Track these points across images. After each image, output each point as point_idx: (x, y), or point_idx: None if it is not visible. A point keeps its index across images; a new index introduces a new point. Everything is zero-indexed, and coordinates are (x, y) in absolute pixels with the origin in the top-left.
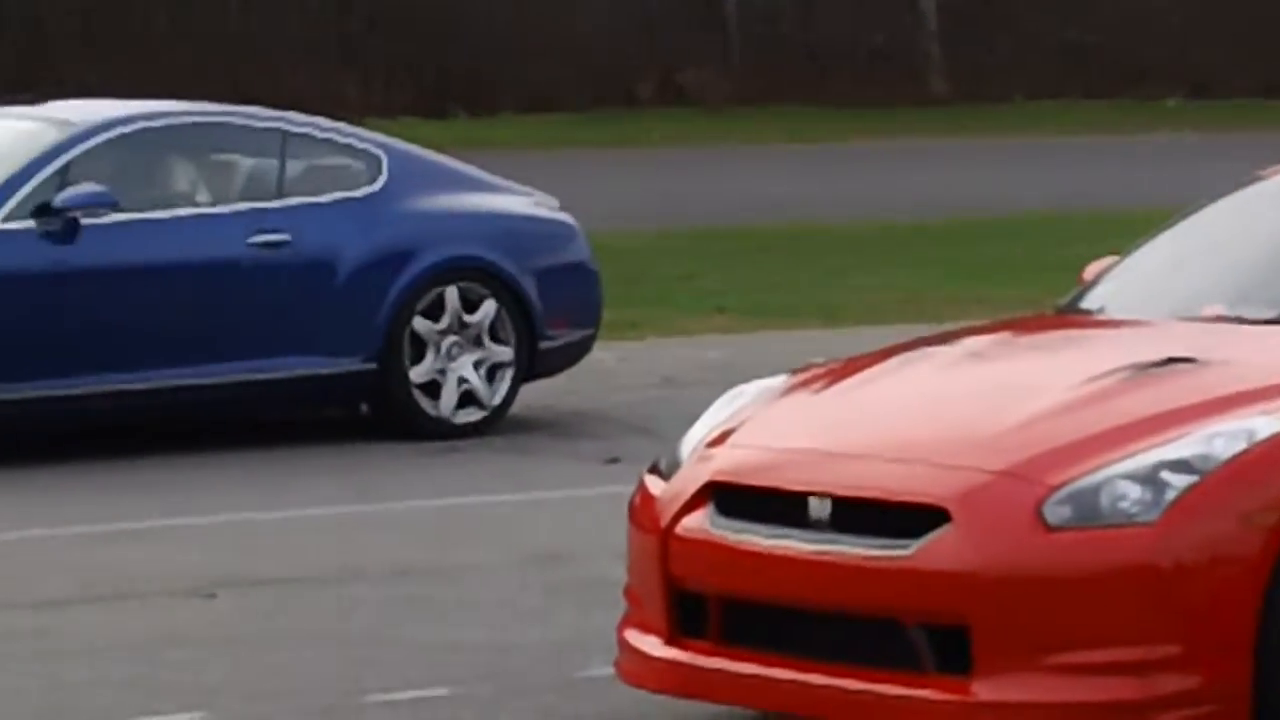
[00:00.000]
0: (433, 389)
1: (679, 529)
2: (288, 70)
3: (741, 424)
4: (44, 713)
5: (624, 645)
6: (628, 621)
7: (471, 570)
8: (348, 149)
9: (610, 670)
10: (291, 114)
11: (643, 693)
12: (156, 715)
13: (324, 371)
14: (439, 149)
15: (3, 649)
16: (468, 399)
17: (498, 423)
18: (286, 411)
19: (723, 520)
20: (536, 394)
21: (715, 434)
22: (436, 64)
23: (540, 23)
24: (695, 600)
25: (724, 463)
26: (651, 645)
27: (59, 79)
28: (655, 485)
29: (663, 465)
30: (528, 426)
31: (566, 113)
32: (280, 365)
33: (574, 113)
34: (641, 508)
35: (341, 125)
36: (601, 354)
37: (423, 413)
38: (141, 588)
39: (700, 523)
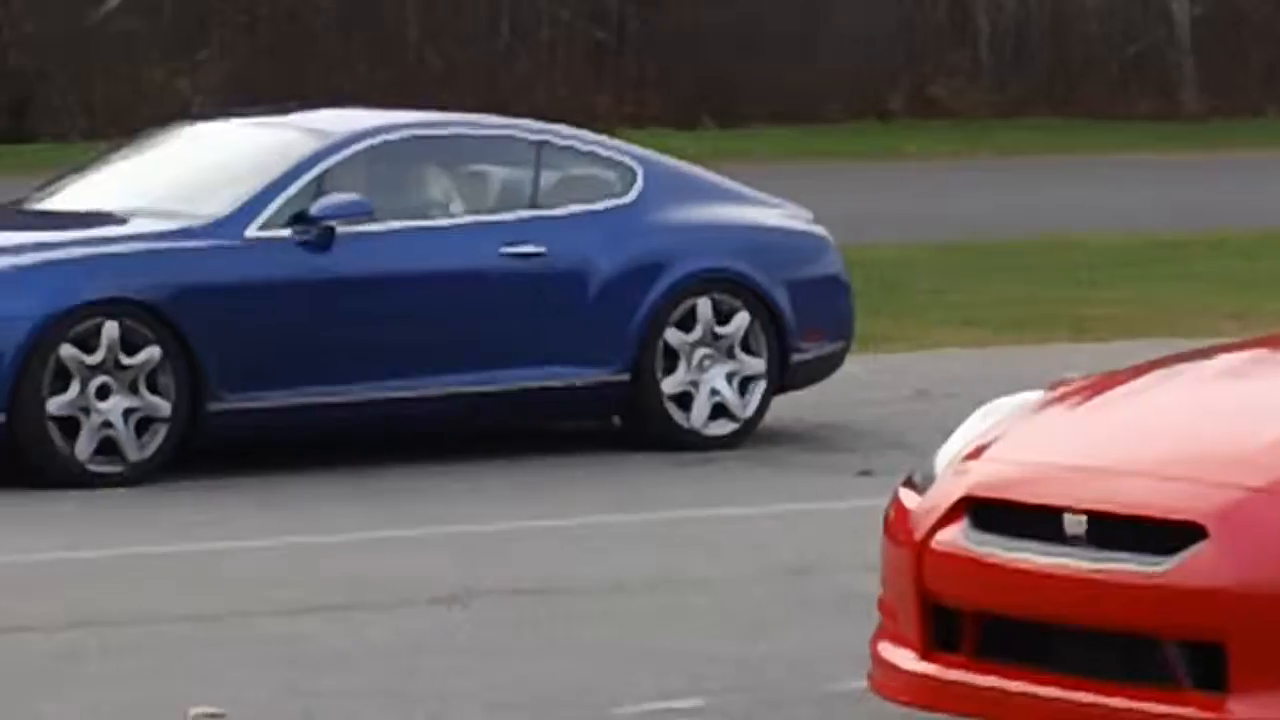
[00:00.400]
0: (685, 400)
1: (934, 543)
2: (540, 80)
3: (998, 438)
4: None
5: (877, 658)
6: (881, 635)
7: (725, 581)
8: (602, 160)
9: (863, 684)
10: (546, 125)
11: (895, 707)
12: None
13: (577, 382)
14: (690, 160)
15: (252, 655)
16: (719, 411)
17: (749, 435)
18: (539, 422)
19: (978, 535)
20: (787, 406)
21: (971, 448)
22: (688, 74)
23: (792, 34)
24: (949, 614)
25: (980, 477)
26: (905, 659)
27: (313, 89)
28: (910, 499)
29: (917, 479)
30: (779, 439)
31: (818, 124)
32: (533, 375)
33: (826, 124)
34: (896, 521)
35: (596, 136)
36: (852, 366)
37: (675, 424)
38: (391, 596)
39: (955, 537)
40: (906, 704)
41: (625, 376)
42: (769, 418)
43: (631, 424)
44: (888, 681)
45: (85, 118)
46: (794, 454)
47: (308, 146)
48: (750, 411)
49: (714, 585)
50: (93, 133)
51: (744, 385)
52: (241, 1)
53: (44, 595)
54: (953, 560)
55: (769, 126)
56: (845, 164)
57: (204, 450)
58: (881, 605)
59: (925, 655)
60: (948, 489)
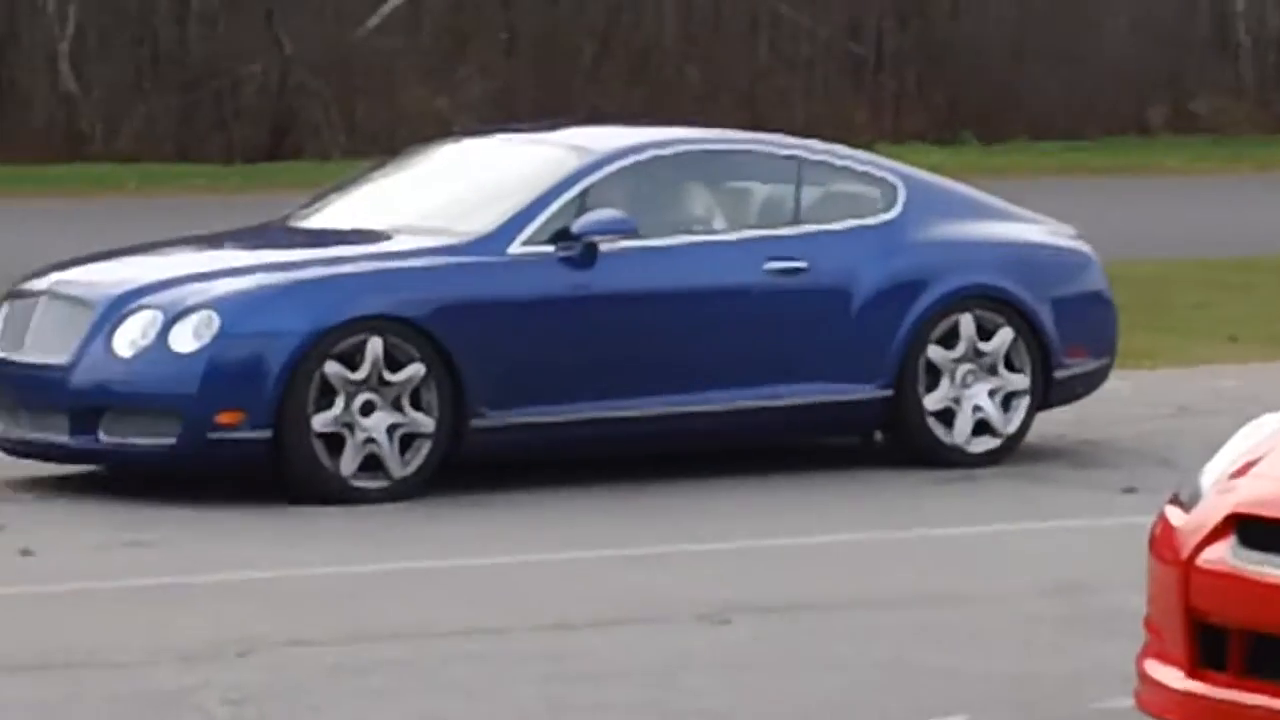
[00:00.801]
0: (947, 417)
1: (1200, 560)
2: (798, 96)
3: (1264, 455)
4: None
5: (1143, 676)
6: (1147, 652)
7: (988, 598)
8: (864, 176)
9: (1128, 702)
10: (808, 141)
11: None
12: None
13: (839, 398)
14: (949, 176)
15: (513, 671)
16: (982, 427)
17: (1012, 451)
18: (801, 438)
19: (1245, 552)
20: (1050, 423)
21: (1237, 465)
22: (947, 90)
23: (1052, 49)
24: (1216, 632)
25: (1247, 494)
26: (1172, 677)
27: (573, 106)
28: (1176, 516)
29: (1184, 496)
30: (1042, 455)
31: (1078, 140)
32: (796, 391)
33: (1086, 140)
34: (1162, 538)
35: (852, 151)
36: (1115, 383)
37: (937, 440)
38: (656, 612)
39: (1222, 554)
40: None
41: (888, 392)
42: (1031, 434)
43: (894, 440)
44: (1154, 700)
45: (346, 136)
46: (1057, 471)
47: (571, 163)
48: (1013, 428)
49: (977, 602)
50: (353, 151)
51: (1007, 401)
52: (501, 19)
53: (320, 610)
54: (1219, 578)
55: (1029, 142)
56: (1106, 179)
57: (466, 466)
58: (1148, 623)
59: (1192, 673)
60: (1214, 506)
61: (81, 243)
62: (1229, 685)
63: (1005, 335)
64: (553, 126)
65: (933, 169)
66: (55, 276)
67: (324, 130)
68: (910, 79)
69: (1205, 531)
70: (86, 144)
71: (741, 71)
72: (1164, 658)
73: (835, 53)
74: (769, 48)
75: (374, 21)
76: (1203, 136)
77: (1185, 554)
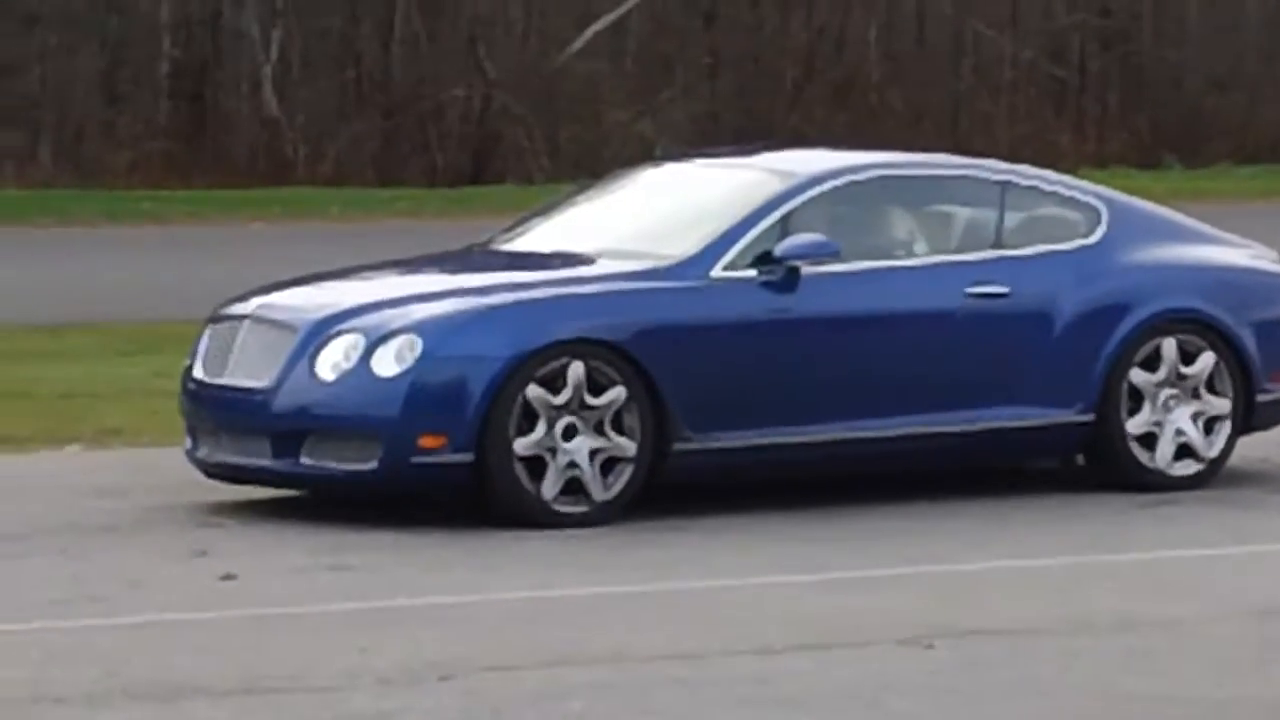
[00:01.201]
0: (1149, 441)
1: None
2: (1001, 120)
3: None
4: None
5: None
6: None
7: (1189, 623)
8: (1066, 200)
9: None
10: (1009, 164)
11: None
12: None
13: (1041, 422)
14: (1152, 200)
15: (715, 695)
16: (1184, 451)
17: (1214, 476)
18: (1003, 461)
19: None
20: (1252, 447)
21: None
22: (1150, 113)
23: (1258, 72)
24: None
25: None
26: None
27: (776, 130)
28: None
29: None
30: (1243, 480)
31: None
32: (998, 415)
33: None
34: None
35: (1060, 176)
36: None
37: (1139, 464)
38: (858, 636)
39: None
40: None
41: (1089, 417)
42: (1234, 458)
43: (1095, 464)
44: None
45: (549, 160)
46: (1260, 495)
47: (772, 187)
48: (1215, 452)
49: (1181, 627)
50: (556, 174)
51: (1209, 426)
52: (705, 43)
53: (520, 634)
54: None
55: (1234, 165)
56: None
57: (667, 490)
58: None
59: None
60: None
61: (284, 267)
62: None
63: (1208, 359)
64: (755, 150)
65: (1136, 193)
66: (258, 301)
67: (526, 154)
68: (1113, 102)
69: None
70: (290, 168)
71: (944, 95)
72: None
73: (1039, 76)
74: (972, 71)
75: (577, 45)
76: None
77: None
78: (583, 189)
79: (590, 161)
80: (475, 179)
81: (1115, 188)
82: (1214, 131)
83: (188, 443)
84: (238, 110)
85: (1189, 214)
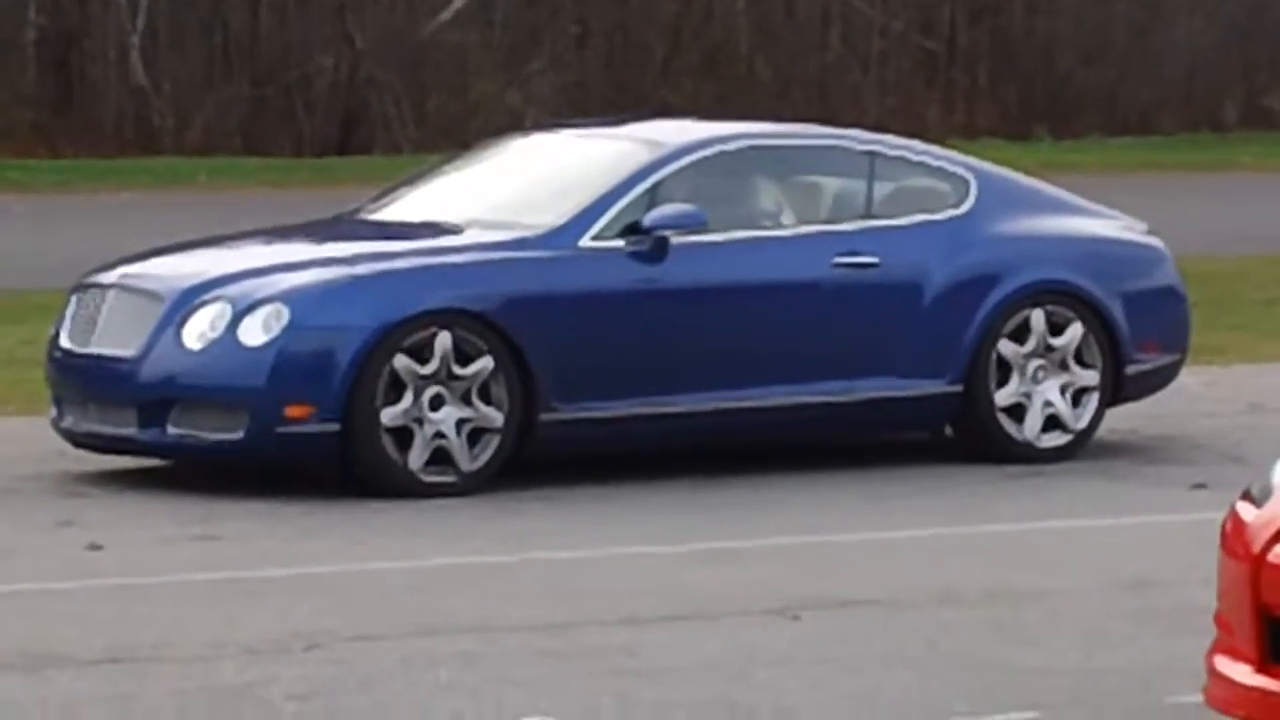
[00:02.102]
0: (1017, 412)
1: (1271, 555)
2: (870, 91)
3: None
4: None
5: (1213, 672)
6: (1217, 648)
7: (1060, 594)
8: (935, 171)
9: (1198, 698)
10: (879, 135)
11: None
12: None
13: (909, 393)
14: (1023, 172)
15: (584, 665)
16: (1052, 423)
17: (1082, 447)
18: (870, 433)
19: None
20: (1121, 418)
21: None
22: (1020, 85)
23: (1126, 45)
24: None
25: None
26: (1242, 673)
27: (644, 101)
28: (1247, 512)
29: (1255, 491)
30: (1112, 451)
31: (1152, 135)
32: (865, 386)
33: (1160, 135)
34: (1233, 534)
35: (929, 147)
36: (1186, 379)
37: (1007, 436)
38: (725, 608)
39: None
40: (1243, 718)
41: (958, 388)
42: (1102, 430)
43: (963, 436)
44: (1224, 695)
45: (416, 130)
46: (1128, 467)
47: (641, 157)
48: (1084, 424)
49: (1048, 598)
50: (423, 145)
51: (1077, 397)
52: (573, 13)
53: (387, 604)
54: None
55: (1102, 137)
56: (1180, 175)
57: (535, 460)
58: (1218, 618)
59: (1262, 669)
60: None
61: (151, 236)
62: None
63: (1076, 330)
64: (623, 121)
65: (1005, 165)
66: (124, 269)
67: (394, 124)
68: (983, 75)
69: (1276, 527)
70: (157, 137)
71: (813, 66)
72: (1234, 653)
73: (909, 47)
74: (841, 42)
75: (445, 15)
76: (1276, 133)
77: (1256, 549)
78: (451, 159)
79: (458, 132)
80: (342, 148)
81: (985, 160)
82: (1083, 104)
83: (53, 412)
84: (105, 78)
85: (1059, 186)
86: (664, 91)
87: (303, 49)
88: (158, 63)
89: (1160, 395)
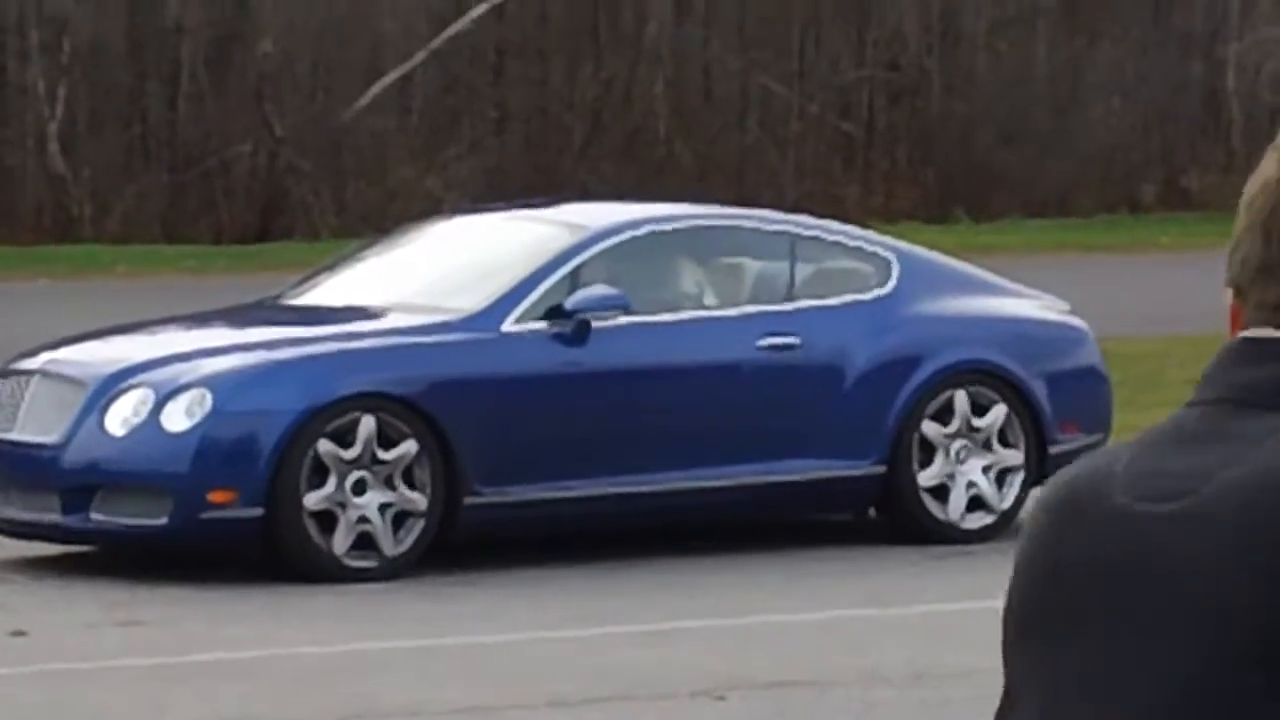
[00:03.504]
0: (941, 493)
1: None
2: (788, 173)
3: None
4: None
5: None
6: None
7: (987, 674)
8: (857, 252)
9: None
10: (800, 217)
11: None
12: None
13: (833, 474)
14: (942, 253)
15: None
16: (976, 503)
17: (1007, 527)
18: (795, 513)
19: None
20: None
21: None
22: (938, 168)
23: (1043, 127)
24: None
25: None
26: None
27: (563, 184)
28: None
29: None
30: None
31: (1071, 216)
32: (790, 468)
33: (1078, 216)
34: None
35: (851, 228)
36: None
37: (931, 517)
38: (652, 689)
39: None
40: None
41: (881, 469)
42: (1025, 510)
43: (887, 516)
44: None
45: (336, 216)
46: None
47: (563, 240)
48: (1008, 504)
49: (976, 677)
50: (343, 231)
51: (1001, 477)
52: (491, 97)
53: (313, 689)
54: None
55: (1021, 219)
56: (1099, 256)
57: (459, 544)
58: None
59: None
60: None
61: (71, 323)
62: None
63: (999, 411)
64: (545, 204)
65: (925, 246)
66: (47, 356)
67: (314, 210)
68: (901, 156)
69: None
70: (76, 224)
71: (731, 149)
72: None
73: (826, 129)
74: (759, 125)
75: (363, 101)
76: (1195, 213)
77: None
78: (373, 243)
79: (378, 218)
80: (262, 236)
81: (905, 241)
82: (1002, 185)
83: None
84: (22, 166)
85: (979, 267)
86: (583, 174)
87: (222, 136)
88: (76, 150)
89: None
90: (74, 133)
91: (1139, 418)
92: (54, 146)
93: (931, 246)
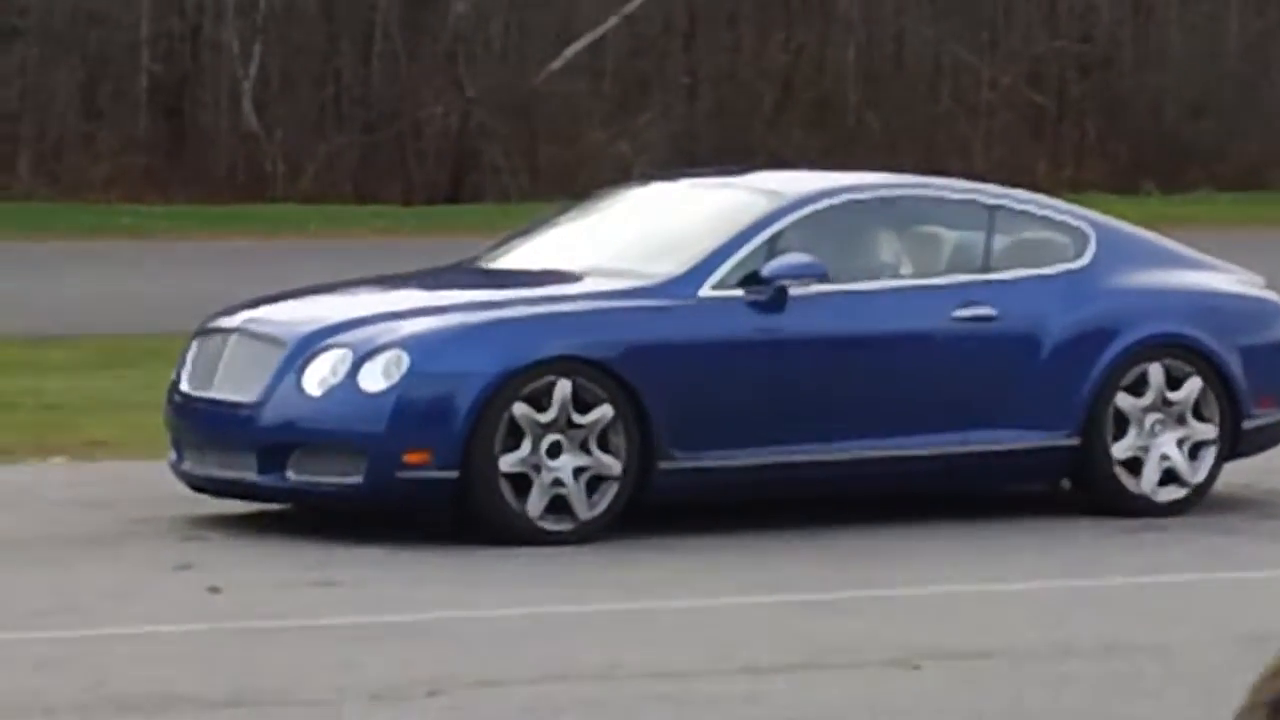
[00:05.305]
0: (1134, 466)
1: None
2: (978, 144)
3: None
4: None
5: None
6: None
7: (1181, 649)
8: (1055, 224)
9: None
10: (1003, 188)
11: None
12: None
13: (1027, 445)
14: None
15: (704, 714)
16: (1169, 476)
17: (1199, 501)
18: (988, 484)
19: None
20: (1235, 473)
21: None
22: (1128, 140)
23: (1236, 99)
24: None
25: None
26: None
27: (753, 151)
28: None
29: None
30: (1228, 506)
31: (1263, 190)
32: (984, 438)
33: (1271, 190)
34: None
35: (1049, 199)
36: None
37: (1124, 489)
38: (846, 658)
39: None
40: None
41: (1075, 441)
42: (1219, 484)
43: (1080, 488)
44: None
45: (527, 179)
46: (1245, 521)
47: (761, 207)
48: (1201, 477)
49: (1169, 652)
50: (533, 194)
51: (1195, 451)
52: (683, 64)
53: (508, 651)
54: None
55: (1212, 193)
56: None
57: (652, 508)
58: None
59: None
60: None
61: (262, 283)
62: None
63: (1194, 384)
64: (741, 171)
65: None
66: (245, 315)
67: (504, 173)
68: (1091, 128)
69: None
70: (269, 184)
71: (921, 118)
72: None
73: (1017, 101)
74: (950, 95)
75: (556, 65)
76: None
77: None
78: (570, 208)
79: (568, 181)
80: (452, 197)
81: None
82: (1192, 158)
83: (172, 455)
84: (216, 125)
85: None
86: (772, 141)
87: (414, 97)
88: (269, 110)
89: (1275, 451)
90: (267, 92)
91: None
92: (248, 106)
93: (1120, 219)
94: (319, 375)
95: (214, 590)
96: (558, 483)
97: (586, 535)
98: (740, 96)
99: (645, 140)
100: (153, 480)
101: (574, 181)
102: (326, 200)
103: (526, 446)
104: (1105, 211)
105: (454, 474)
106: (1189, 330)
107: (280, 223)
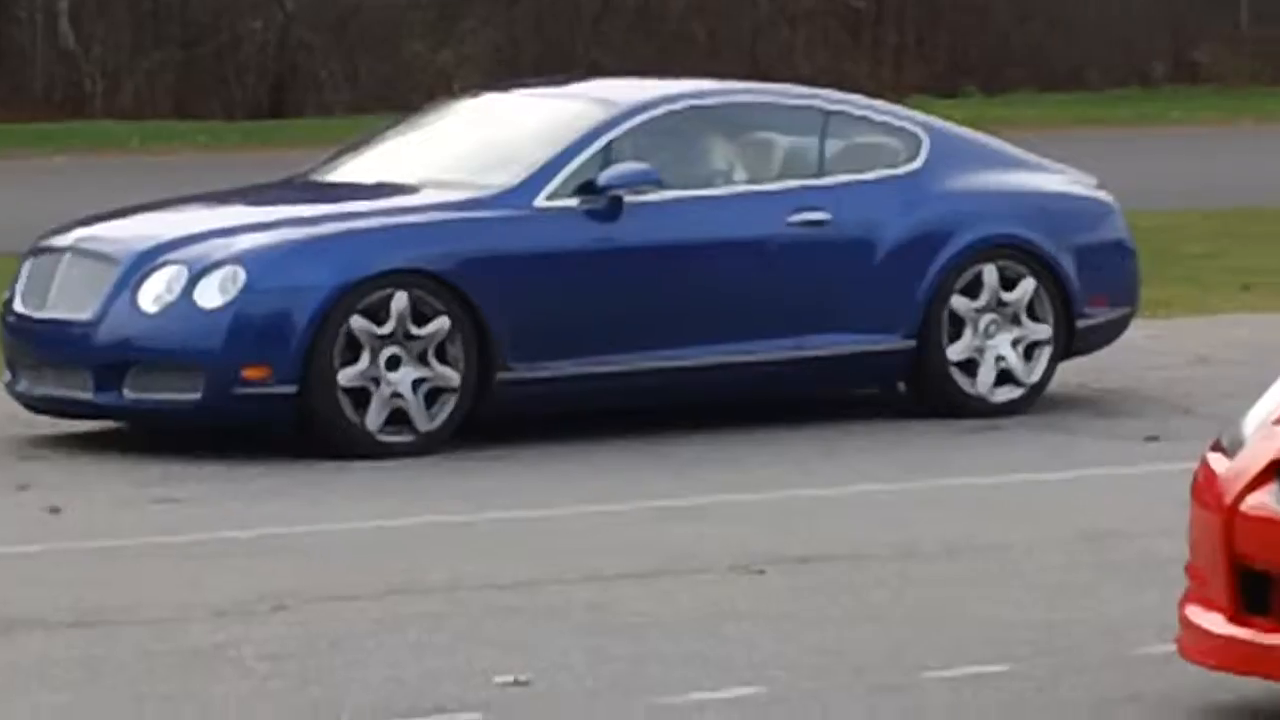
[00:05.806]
0: (970, 367)
1: (1243, 506)
2: (799, 49)
3: None
4: (596, 686)
5: (1185, 622)
6: (1189, 598)
7: (1021, 548)
8: (889, 128)
9: (1166, 648)
10: (830, 92)
11: (1203, 671)
12: (709, 690)
13: (863, 349)
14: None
15: (551, 623)
16: (1005, 377)
17: (1034, 401)
18: (826, 388)
19: None
20: (1071, 372)
21: None
22: (947, 42)
23: (1053, 3)
24: (1260, 578)
25: None
26: (1214, 623)
27: (575, 61)
28: (1219, 463)
29: (1226, 442)
30: (1064, 405)
31: (1080, 91)
32: (819, 343)
33: (1088, 91)
34: (1205, 485)
35: (880, 103)
36: (1131, 332)
37: (960, 391)
38: (690, 564)
39: (1265, 500)
40: (1215, 668)
41: (911, 343)
42: (1054, 384)
43: (917, 391)
44: (1196, 646)
45: (348, 92)
46: (1080, 420)
47: (595, 116)
48: (1036, 377)
49: (1010, 551)
50: (356, 107)
51: (1029, 351)
52: None
53: (351, 565)
54: (1262, 523)
55: (1032, 93)
56: (1109, 131)
57: (489, 421)
58: (1190, 569)
59: (1235, 619)
60: (1257, 452)
61: (85, 201)
62: (1272, 630)
63: (1028, 285)
64: (570, 80)
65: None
66: (79, 233)
67: (325, 86)
68: (910, 32)
69: (1248, 478)
70: (87, 101)
71: (743, 25)
72: (1206, 603)
73: (837, 6)
74: (770, 1)
75: None
76: (1204, 87)
77: (1229, 500)
78: (402, 120)
79: (390, 94)
80: (274, 112)
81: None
82: (1011, 60)
83: (7, 376)
84: (33, 43)
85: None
86: (595, 51)
87: (232, 11)
88: (87, 27)
89: (1109, 349)
90: (84, 9)
91: (1155, 292)
92: (64, 23)
93: (947, 120)
94: (154, 292)
95: (53, 510)
96: (397, 395)
97: (427, 447)
98: (561, 5)
99: (466, 51)
100: None
101: (396, 93)
102: (147, 117)
103: (365, 360)
104: (928, 113)
105: (292, 389)
106: (1022, 231)
107: (101, 140)
